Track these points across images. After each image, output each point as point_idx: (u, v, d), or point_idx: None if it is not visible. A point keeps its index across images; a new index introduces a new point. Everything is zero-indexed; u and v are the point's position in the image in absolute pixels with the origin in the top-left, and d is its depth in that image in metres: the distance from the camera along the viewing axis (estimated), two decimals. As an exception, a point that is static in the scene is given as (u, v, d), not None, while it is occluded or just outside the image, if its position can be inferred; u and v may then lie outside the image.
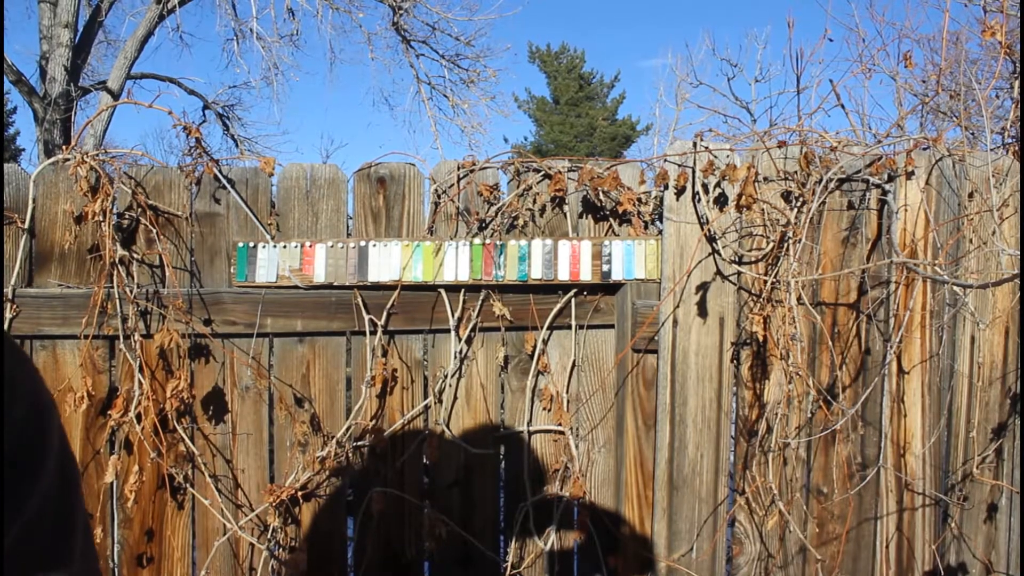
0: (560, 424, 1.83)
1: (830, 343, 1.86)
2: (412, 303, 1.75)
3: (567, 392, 1.84)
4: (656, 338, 1.78)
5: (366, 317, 1.71)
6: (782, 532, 1.89)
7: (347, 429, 1.72)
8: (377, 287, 1.72)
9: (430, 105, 11.41)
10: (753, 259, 1.80)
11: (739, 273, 1.79)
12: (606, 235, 1.82)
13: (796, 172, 1.80)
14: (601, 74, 26.49)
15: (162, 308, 1.65)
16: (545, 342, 1.82)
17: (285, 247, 1.68)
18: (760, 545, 1.89)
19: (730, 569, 1.90)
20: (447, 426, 1.79)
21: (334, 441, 1.71)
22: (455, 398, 1.80)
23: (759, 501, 1.87)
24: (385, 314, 1.72)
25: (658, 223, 1.83)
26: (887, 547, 1.93)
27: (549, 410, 1.84)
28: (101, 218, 1.59)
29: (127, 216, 1.66)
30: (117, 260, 1.61)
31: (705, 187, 1.75)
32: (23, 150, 19.30)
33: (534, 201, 1.79)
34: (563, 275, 1.77)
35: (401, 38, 10.95)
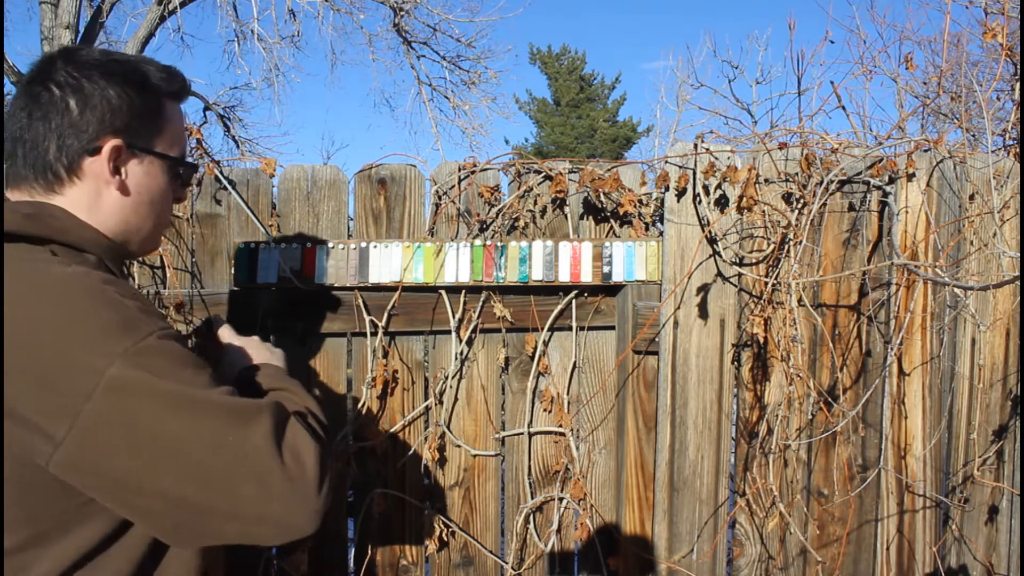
0: (561, 425, 1.83)
1: (831, 345, 1.86)
2: (413, 304, 1.75)
3: (568, 393, 1.84)
4: (657, 340, 1.78)
5: (367, 318, 1.71)
6: (783, 534, 1.89)
7: (348, 430, 1.72)
8: (378, 288, 1.72)
9: (431, 106, 11.41)
10: (754, 261, 1.81)
11: (740, 275, 1.79)
12: (607, 236, 1.82)
13: (797, 174, 1.80)
14: (602, 76, 26.55)
15: (163, 309, 1.65)
16: (546, 343, 1.82)
17: (286, 248, 1.68)
18: (761, 547, 1.89)
19: (731, 571, 1.90)
20: (448, 427, 1.79)
21: (335, 442, 1.71)
22: (456, 399, 1.80)
23: (760, 503, 1.87)
24: (386, 315, 1.72)
25: (659, 224, 1.83)
26: (888, 549, 1.93)
27: (550, 411, 1.84)
28: (102, 219, 1.58)
29: (128, 217, 1.65)
30: (118, 261, 1.61)
31: (706, 189, 1.76)
32: (24, 151, 19.26)
33: (535, 202, 1.79)
34: (564, 276, 1.77)
35: (402, 39, 10.95)
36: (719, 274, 1.78)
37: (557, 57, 25.99)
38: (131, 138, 0.98)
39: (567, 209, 1.80)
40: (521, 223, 1.79)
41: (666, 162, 1.77)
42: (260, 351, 1.15)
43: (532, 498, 1.84)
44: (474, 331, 1.78)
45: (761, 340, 1.80)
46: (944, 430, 1.94)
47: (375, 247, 1.71)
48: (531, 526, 1.84)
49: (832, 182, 1.78)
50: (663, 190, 1.78)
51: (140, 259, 1.67)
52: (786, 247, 1.78)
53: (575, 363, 1.85)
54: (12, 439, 0.78)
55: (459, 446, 1.80)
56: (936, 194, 1.88)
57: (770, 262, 1.80)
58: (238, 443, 0.80)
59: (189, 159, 1.10)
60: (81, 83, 0.95)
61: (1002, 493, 1.98)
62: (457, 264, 1.73)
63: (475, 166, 1.76)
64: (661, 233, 1.82)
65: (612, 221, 1.82)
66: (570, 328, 1.83)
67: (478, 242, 1.74)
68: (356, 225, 1.74)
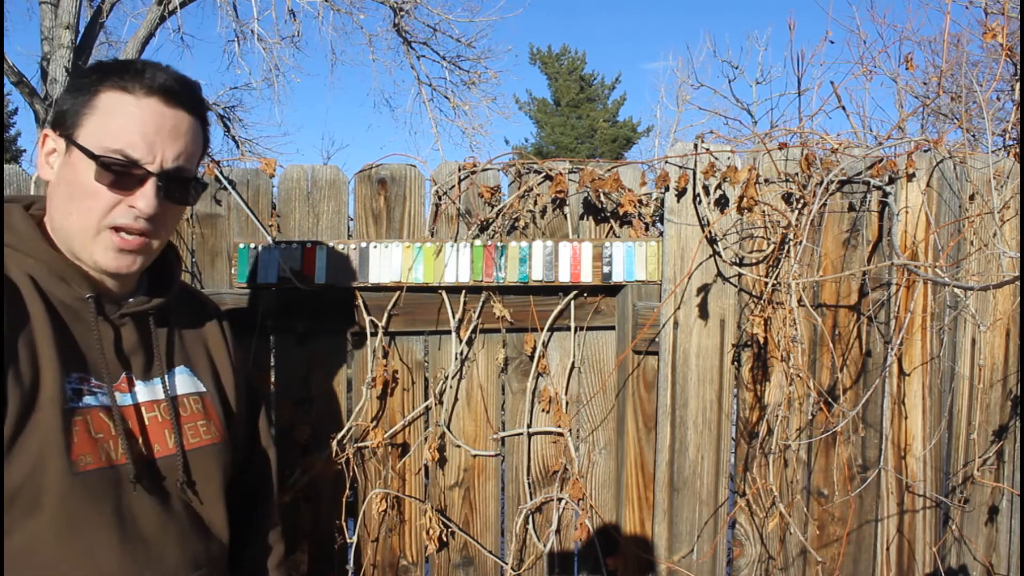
0: (560, 426, 1.83)
1: (831, 345, 1.85)
2: (413, 304, 1.75)
3: (567, 394, 1.84)
4: (657, 340, 1.78)
5: (367, 318, 1.71)
6: (783, 534, 1.89)
7: (348, 430, 1.72)
8: (378, 288, 1.72)
9: (431, 106, 11.41)
10: (754, 261, 1.80)
11: (740, 275, 1.79)
12: (607, 236, 1.82)
13: (797, 174, 1.80)
14: (602, 76, 26.54)
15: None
16: (545, 344, 1.82)
17: (286, 248, 1.68)
18: (761, 547, 1.89)
19: (731, 571, 1.90)
20: (448, 427, 1.79)
21: (335, 442, 1.71)
22: (456, 399, 1.80)
23: (760, 503, 1.87)
24: (386, 315, 1.72)
25: (659, 225, 1.83)
26: (888, 549, 1.93)
27: (549, 412, 1.84)
28: (102, 219, 1.58)
29: (128, 217, 1.65)
30: (118, 261, 1.61)
31: (706, 189, 1.75)
32: (24, 151, 19.31)
33: (535, 203, 1.79)
34: (564, 277, 1.77)
35: (402, 39, 10.95)
36: (719, 274, 1.78)
37: (557, 57, 25.99)
38: (57, 128, 1.01)
39: (567, 209, 1.80)
40: (521, 223, 1.79)
41: (666, 162, 1.77)
42: None
43: (532, 498, 1.83)
44: (474, 331, 1.78)
45: (761, 340, 1.80)
46: (944, 430, 1.94)
47: (375, 247, 1.71)
48: (531, 526, 1.84)
49: (832, 182, 1.78)
50: (663, 190, 1.78)
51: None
52: (786, 247, 1.78)
53: (574, 363, 1.84)
54: None
55: (459, 446, 1.80)
56: (936, 194, 1.88)
57: (770, 262, 1.80)
58: None
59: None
60: None
61: (1002, 493, 1.98)
62: (457, 264, 1.73)
63: (475, 166, 1.76)
64: (661, 233, 1.82)
65: (612, 221, 1.82)
66: (570, 328, 1.83)
67: (478, 242, 1.74)
68: (356, 225, 1.74)
